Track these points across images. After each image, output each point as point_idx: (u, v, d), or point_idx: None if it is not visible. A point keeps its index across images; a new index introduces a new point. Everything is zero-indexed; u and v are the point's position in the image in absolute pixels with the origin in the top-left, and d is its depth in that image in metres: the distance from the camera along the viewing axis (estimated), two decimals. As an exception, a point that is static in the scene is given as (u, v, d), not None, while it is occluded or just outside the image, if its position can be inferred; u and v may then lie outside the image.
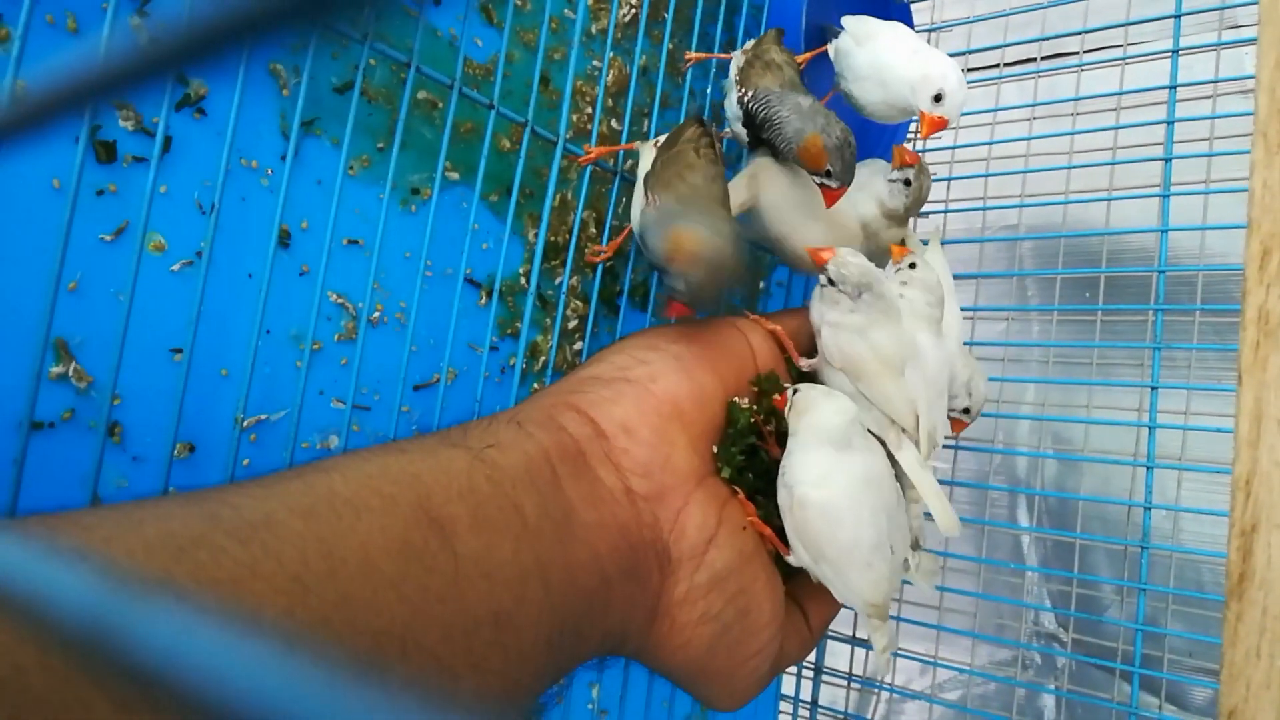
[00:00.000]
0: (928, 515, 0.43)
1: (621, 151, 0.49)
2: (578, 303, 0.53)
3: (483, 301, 0.49)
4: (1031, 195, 0.63)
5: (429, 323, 0.47)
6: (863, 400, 0.42)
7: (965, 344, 0.52)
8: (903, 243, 0.50)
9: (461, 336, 0.48)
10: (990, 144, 0.65)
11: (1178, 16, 0.57)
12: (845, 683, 0.62)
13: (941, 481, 0.43)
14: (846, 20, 0.50)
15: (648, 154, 0.45)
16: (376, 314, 0.45)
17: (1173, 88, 0.56)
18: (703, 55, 0.55)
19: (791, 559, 0.39)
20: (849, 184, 0.44)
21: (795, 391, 0.39)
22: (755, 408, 0.40)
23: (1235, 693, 0.33)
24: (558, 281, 0.52)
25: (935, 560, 0.44)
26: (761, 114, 0.44)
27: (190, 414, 0.38)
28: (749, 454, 0.39)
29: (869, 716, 0.71)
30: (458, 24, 0.48)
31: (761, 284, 0.66)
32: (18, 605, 0.09)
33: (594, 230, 0.53)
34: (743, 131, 0.46)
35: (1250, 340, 0.34)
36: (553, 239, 0.52)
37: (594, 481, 0.33)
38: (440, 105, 0.47)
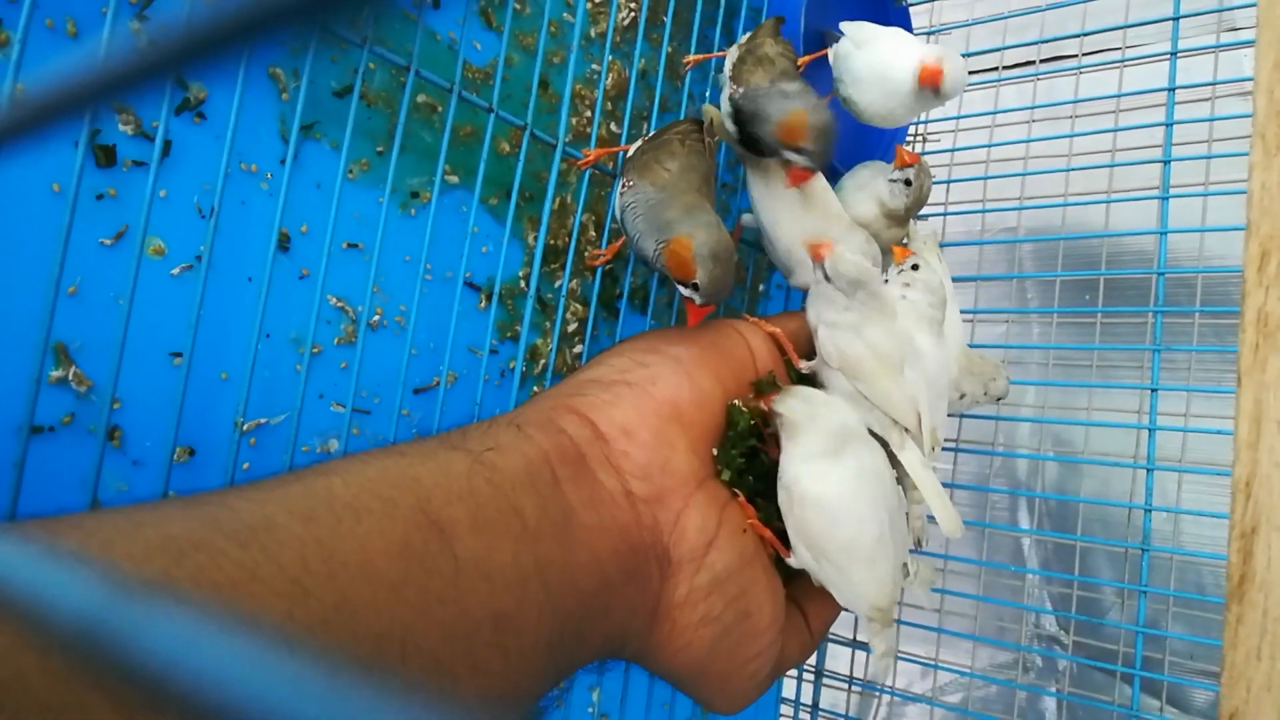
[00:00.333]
0: (930, 517, 0.43)
1: (621, 154, 0.49)
2: (577, 306, 0.53)
3: (482, 305, 0.49)
4: (1031, 197, 0.63)
5: (429, 326, 0.47)
6: (863, 401, 0.42)
7: (967, 346, 0.52)
8: (905, 243, 0.50)
9: (461, 340, 0.48)
10: (989, 146, 0.65)
11: (1176, 19, 0.57)
12: (846, 686, 0.62)
13: (942, 484, 0.43)
14: (845, 25, 0.50)
15: (636, 145, 0.45)
16: (376, 317, 0.45)
17: (1171, 90, 0.56)
18: (702, 57, 0.55)
19: (793, 560, 0.39)
20: (819, 168, 0.44)
21: (780, 398, 0.39)
22: (755, 410, 0.40)
23: (1236, 695, 0.33)
24: (557, 284, 0.52)
25: (933, 568, 0.43)
26: (750, 109, 0.44)
27: (190, 418, 0.38)
28: (749, 456, 0.39)
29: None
30: (457, 27, 0.48)
31: (761, 286, 0.66)
32: (19, 608, 0.09)
33: (593, 233, 0.53)
34: (733, 130, 0.46)
35: (1249, 342, 0.34)
36: (552, 242, 0.52)
37: (594, 484, 0.33)
38: (440, 109, 0.47)
